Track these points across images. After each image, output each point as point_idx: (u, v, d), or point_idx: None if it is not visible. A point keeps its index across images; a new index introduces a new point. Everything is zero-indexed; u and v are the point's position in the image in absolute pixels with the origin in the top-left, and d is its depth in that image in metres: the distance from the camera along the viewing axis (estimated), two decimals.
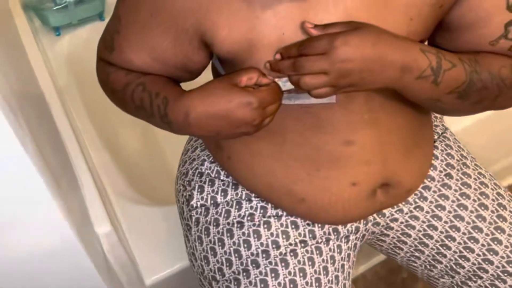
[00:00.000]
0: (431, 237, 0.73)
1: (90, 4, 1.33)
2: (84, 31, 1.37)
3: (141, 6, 0.60)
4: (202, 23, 0.57)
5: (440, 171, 0.75)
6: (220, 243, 0.71)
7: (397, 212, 0.74)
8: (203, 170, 0.75)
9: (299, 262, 0.69)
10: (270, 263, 0.68)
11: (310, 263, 0.69)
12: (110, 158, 1.09)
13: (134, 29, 0.61)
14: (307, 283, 0.68)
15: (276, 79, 0.58)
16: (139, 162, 1.33)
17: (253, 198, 0.72)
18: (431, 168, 0.74)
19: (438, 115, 0.83)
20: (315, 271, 0.69)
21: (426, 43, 0.62)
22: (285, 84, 0.58)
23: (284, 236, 0.70)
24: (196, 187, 0.75)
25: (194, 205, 0.74)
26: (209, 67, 0.71)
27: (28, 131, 0.58)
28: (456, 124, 1.02)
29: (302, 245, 0.70)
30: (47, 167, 0.60)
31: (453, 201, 0.73)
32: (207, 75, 0.70)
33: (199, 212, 0.74)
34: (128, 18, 0.62)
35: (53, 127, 0.97)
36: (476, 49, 0.60)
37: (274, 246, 0.69)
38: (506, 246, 0.71)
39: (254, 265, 0.69)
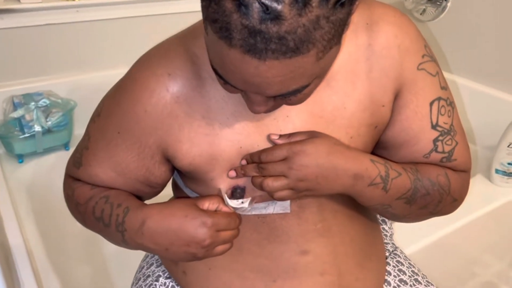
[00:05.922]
0: None
1: (57, 134, 1.36)
2: (48, 159, 1.38)
3: (109, 125, 0.65)
4: (164, 139, 0.62)
5: (394, 287, 0.76)
6: None
7: None
8: (158, 287, 0.74)
9: None
10: None
11: None
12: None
13: (101, 145, 0.65)
14: None
15: (234, 205, 0.61)
16: None
17: None
18: (385, 284, 0.76)
19: (388, 233, 0.87)
20: None
21: None
22: (243, 208, 0.61)
23: None
24: None
25: None
26: (169, 184, 0.74)
27: None
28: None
29: None
30: None
31: None
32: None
33: None
34: (97, 136, 0.66)
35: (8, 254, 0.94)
36: (413, 161, 0.66)
37: None
38: None
39: None
